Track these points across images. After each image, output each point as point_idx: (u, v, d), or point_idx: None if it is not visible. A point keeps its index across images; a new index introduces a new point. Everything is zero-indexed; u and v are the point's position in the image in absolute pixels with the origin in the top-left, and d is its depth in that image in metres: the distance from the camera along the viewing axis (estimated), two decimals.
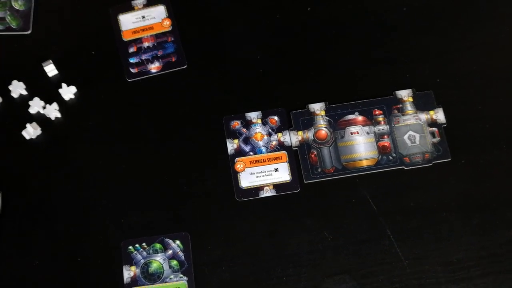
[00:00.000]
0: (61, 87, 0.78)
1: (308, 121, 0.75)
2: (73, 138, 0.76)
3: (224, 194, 0.73)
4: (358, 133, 0.75)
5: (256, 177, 0.74)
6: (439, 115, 0.75)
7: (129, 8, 0.82)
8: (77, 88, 0.78)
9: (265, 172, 0.74)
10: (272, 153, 0.74)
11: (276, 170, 0.74)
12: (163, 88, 0.78)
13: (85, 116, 0.77)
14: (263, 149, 0.75)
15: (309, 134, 0.75)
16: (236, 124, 0.76)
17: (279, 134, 0.75)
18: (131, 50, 0.80)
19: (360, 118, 0.75)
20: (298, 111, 0.76)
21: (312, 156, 0.74)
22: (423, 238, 0.70)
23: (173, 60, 0.79)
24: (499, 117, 0.75)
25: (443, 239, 0.70)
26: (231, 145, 0.75)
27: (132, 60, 0.79)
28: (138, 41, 0.80)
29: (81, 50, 0.80)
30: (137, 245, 0.71)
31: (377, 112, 0.75)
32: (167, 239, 0.71)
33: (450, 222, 0.71)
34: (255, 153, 0.75)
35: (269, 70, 0.78)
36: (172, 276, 0.70)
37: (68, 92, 0.78)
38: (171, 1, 0.82)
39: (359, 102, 0.76)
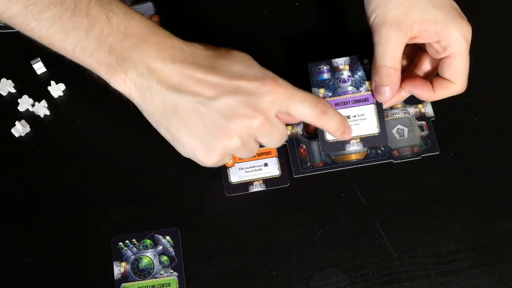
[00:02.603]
0: (50, 85, 0.78)
1: None
2: (63, 135, 0.76)
3: (214, 189, 0.73)
4: None
5: (246, 172, 0.74)
6: (427, 109, 0.75)
7: None
8: (66, 85, 0.78)
9: (254, 167, 0.74)
10: (261, 148, 0.75)
11: (266, 165, 0.74)
12: None
13: (74, 113, 0.77)
14: None
15: (298, 129, 0.75)
16: None
17: None
18: None
19: None
20: None
21: (302, 150, 0.74)
22: (413, 231, 0.71)
23: None
24: (487, 109, 0.76)
25: (433, 231, 0.71)
26: None
27: None
28: None
29: None
30: (127, 241, 0.71)
31: None
32: (157, 235, 0.71)
33: (440, 215, 0.71)
34: None
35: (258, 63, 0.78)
36: (162, 272, 0.70)
37: (57, 89, 0.77)
38: None
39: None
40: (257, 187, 0.73)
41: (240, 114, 0.57)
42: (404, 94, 0.68)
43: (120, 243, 0.71)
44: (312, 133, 0.74)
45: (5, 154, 0.75)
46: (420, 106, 0.75)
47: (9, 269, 0.71)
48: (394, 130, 0.74)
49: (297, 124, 0.75)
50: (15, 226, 0.72)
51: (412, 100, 0.75)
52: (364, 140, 0.69)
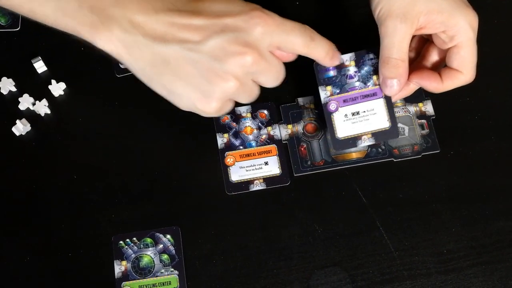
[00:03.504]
0: (50, 84, 0.78)
1: (297, 115, 0.76)
2: (63, 134, 0.76)
3: (215, 188, 0.73)
4: None
5: (246, 171, 0.74)
6: (428, 107, 0.75)
7: None
8: (66, 84, 0.78)
9: (255, 165, 0.74)
10: (262, 147, 0.75)
11: (266, 163, 0.74)
12: None
13: (75, 112, 0.77)
14: (253, 143, 0.75)
15: (299, 128, 0.75)
16: (226, 118, 0.76)
17: (269, 128, 0.75)
18: None
19: None
20: (287, 104, 0.76)
21: (302, 149, 0.74)
22: (413, 229, 0.71)
23: None
24: (488, 108, 0.76)
25: (433, 230, 0.71)
26: (221, 139, 0.75)
27: None
28: None
29: (70, 47, 0.80)
30: (127, 240, 0.71)
31: None
32: (157, 234, 0.71)
33: (440, 213, 0.71)
34: (245, 147, 0.75)
35: None
36: (163, 270, 0.70)
37: (57, 88, 0.78)
38: None
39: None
40: (257, 186, 0.73)
41: (231, 53, 0.54)
42: (413, 87, 0.66)
43: (121, 242, 0.71)
44: (313, 132, 0.74)
45: (6, 153, 0.76)
46: (420, 104, 0.75)
47: (10, 268, 0.71)
48: None
49: (298, 123, 0.75)
50: (16, 225, 0.72)
51: (412, 99, 0.75)
52: (376, 135, 0.67)
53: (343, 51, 0.67)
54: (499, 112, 0.76)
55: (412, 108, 0.75)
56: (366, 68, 0.68)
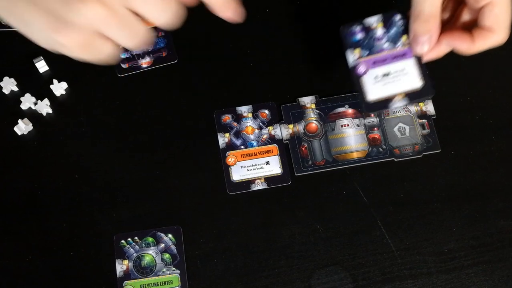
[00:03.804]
0: (52, 83, 0.78)
1: (298, 115, 0.76)
2: (65, 133, 0.76)
3: (216, 187, 0.73)
4: (348, 125, 0.75)
5: (248, 170, 0.74)
6: (428, 107, 0.75)
7: None
8: (68, 84, 0.78)
9: (256, 165, 0.74)
10: (263, 147, 0.75)
11: (267, 163, 0.74)
12: (154, 83, 0.78)
13: (76, 112, 0.77)
14: (254, 143, 0.75)
15: (300, 127, 0.75)
16: (227, 118, 0.76)
17: (270, 128, 0.76)
18: None
19: (350, 110, 0.76)
20: (288, 104, 0.76)
21: (303, 149, 0.74)
22: (414, 228, 0.71)
23: (164, 55, 0.79)
24: (489, 108, 0.76)
25: (434, 229, 0.71)
26: (222, 139, 0.75)
27: (123, 55, 0.79)
28: None
29: None
30: (129, 239, 0.71)
31: None
32: (159, 233, 0.71)
33: (441, 213, 0.72)
34: (246, 147, 0.75)
35: (260, 64, 0.79)
36: (164, 270, 0.70)
37: (59, 88, 0.78)
38: None
39: (349, 95, 0.76)
40: (258, 186, 0.73)
41: None
42: (444, 48, 0.63)
43: (123, 241, 0.71)
44: (314, 132, 0.75)
45: (8, 152, 0.76)
46: (421, 104, 0.75)
47: (11, 267, 0.71)
48: (396, 129, 0.74)
49: (299, 123, 0.75)
50: (17, 224, 0.72)
51: (413, 99, 0.75)
52: (410, 95, 0.64)
53: (369, 14, 0.66)
54: (499, 111, 0.76)
55: (413, 108, 0.75)
56: (394, 29, 0.65)
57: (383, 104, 0.64)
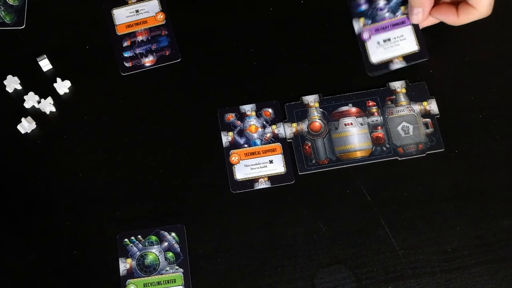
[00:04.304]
0: (55, 82, 0.78)
1: (302, 113, 0.76)
2: (68, 132, 0.76)
3: (219, 186, 0.73)
4: (352, 124, 0.75)
5: (251, 169, 0.74)
6: (432, 106, 0.75)
7: (123, 2, 0.82)
8: (71, 82, 0.78)
9: (259, 164, 0.74)
10: (267, 145, 0.75)
11: (271, 162, 0.74)
12: (157, 81, 0.78)
13: (80, 110, 0.77)
14: (258, 141, 0.75)
15: (303, 126, 0.75)
16: (231, 116, 0.76)
17: (274, 126, 0.76)
18: (125, 44, 0.80)
19: (353, 109, 0.75)
20: (292, 103, 0.76)
21: (306, 147, 0.74)
22: (418, 228, 0.71)
23: (167, 53, 0.79)
24: (492, 107, 0.76)
25: (437, 228, 0.71)
26: (226, 138, 0.75)
27: (126, 54, 0.79)
28: (132, 35, 0.80)
29: (75, 45, 0.81)
30: (132, 238, 0.71)
31: (370, 104, 0.76)
32: (162, 232, 0.71)
33: (444, 212, 0.71)
34: (249, 146, 0.75)
35: (263, 62, 0.79)
36: (168, 268, 0.70)
37: (62, 86, 0.78)
38: None
39: (353, 93, 0.76)
40: (262, 184, 0.73)
41: None
42: (433, 19, 0.75)
43: (126, 240, 0.71)
44: (317, 130, 0.75)
45: (11, 151, 0.76)
46: (425, 103, 0.75)
47: (14, 266, 0.71)
48: (399, 128, 0.74)
49: (302, 121, 0.75)
50: (20, 222, 0.72)
51: (417, 98, 0.75)
52: (407, 57, 0.75)
53: None
54: (503, 110, 0.76)
55: (417, 107, 0.75)
56: (394, 0, 0.77)
57: (384, 65, 0.75)
